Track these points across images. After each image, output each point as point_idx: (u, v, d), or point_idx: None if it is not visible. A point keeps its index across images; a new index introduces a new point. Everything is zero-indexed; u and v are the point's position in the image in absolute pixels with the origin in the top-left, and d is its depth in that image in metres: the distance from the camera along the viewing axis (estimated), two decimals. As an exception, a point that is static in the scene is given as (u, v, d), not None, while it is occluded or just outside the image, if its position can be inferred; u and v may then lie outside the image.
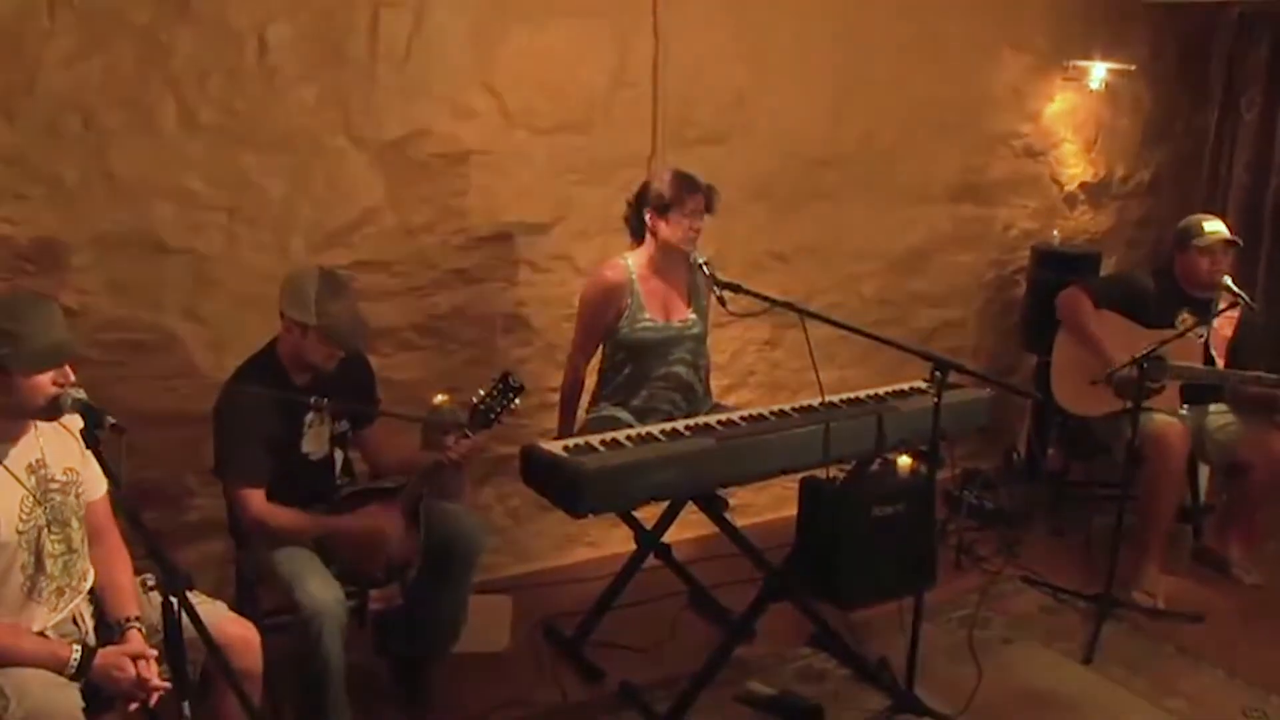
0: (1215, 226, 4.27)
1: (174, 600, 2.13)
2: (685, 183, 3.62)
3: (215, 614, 2.62)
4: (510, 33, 3.92)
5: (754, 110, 4.50)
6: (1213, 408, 4.41)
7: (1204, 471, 4.77)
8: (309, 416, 3.18)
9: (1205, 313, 4.28)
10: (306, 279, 3.07)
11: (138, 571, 2.74)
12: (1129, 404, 3.88)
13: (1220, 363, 4.32)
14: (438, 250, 3.98)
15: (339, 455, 3.30)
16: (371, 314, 3.79)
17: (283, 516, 3.08)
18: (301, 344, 3.07)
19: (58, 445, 2.54)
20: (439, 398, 3.34)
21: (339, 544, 3.14)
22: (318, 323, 3.02)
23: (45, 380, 2.40)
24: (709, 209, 3.66)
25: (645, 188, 3.69)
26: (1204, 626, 4.06)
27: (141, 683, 2.46)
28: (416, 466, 3.21)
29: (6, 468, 2.44)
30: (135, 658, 2.49)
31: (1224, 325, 4.34)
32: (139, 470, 3.43)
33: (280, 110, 3.60)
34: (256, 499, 3.05)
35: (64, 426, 2.52)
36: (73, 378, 2.45)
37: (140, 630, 2.58)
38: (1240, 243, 4.35)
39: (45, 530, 2.51)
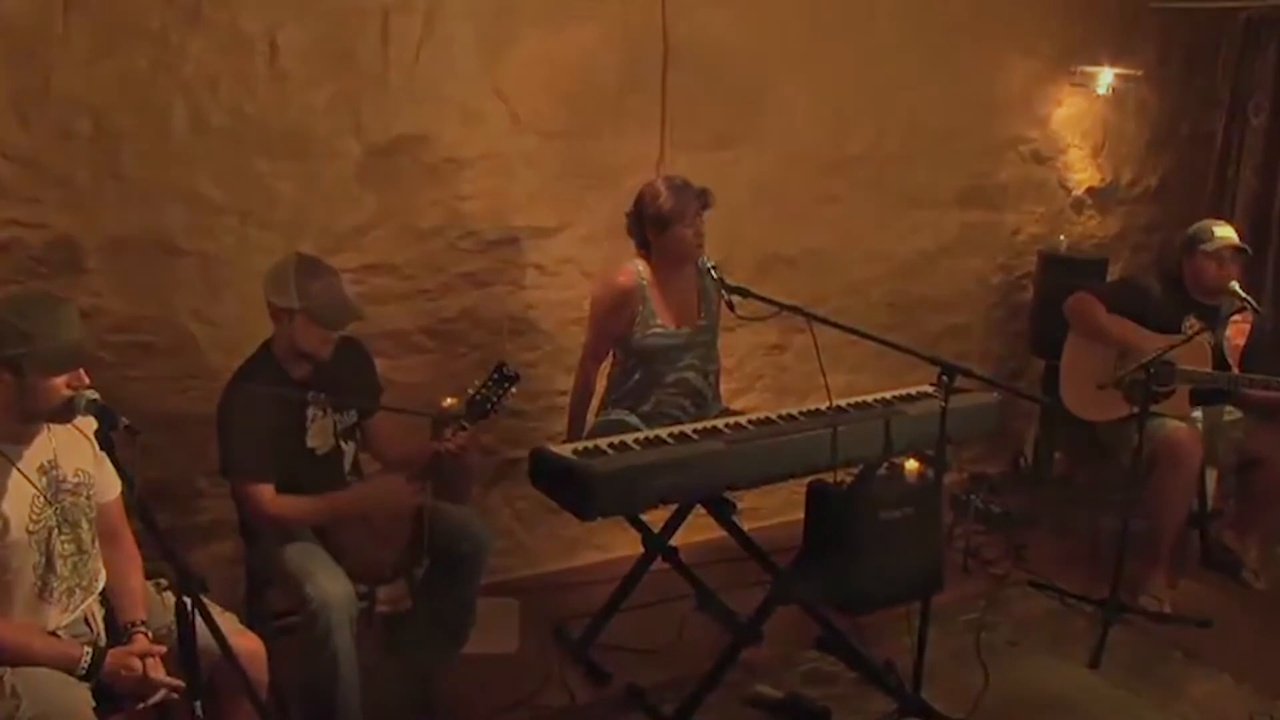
0: (1225, 232, 4.27)
1: (188, 601, 2.14)
2: (679, 193, 3.60)
3: (223, 626, 2.63)
4: (520, 37, 3.94)
5: (762, 115, 4.51)
6: (1227, 408, 4.42)
7: (1211, 475, 4.77)
8: (310, 411, 3.20)
9: (1212, 318, 4.28)
10: (285, 265, 3.12)
11: (150, 574, 2.76)
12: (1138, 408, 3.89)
13: (1235, 370, 4.32)
14: (446, 253, 3.99)
15: (348, 449, 3.31)
16: (380, 317, 3.82)
17: (293, 504, 3.10)
18: (293, 332, 3.10)
19: (70, 446, 2.56)
20: (448, 400, 3.36)
21: (350, 524, 3.16)
22: (300, 304, 3.05)
23: (59, 382, 2.42)
24: (707, 206, 3.65)
25: (641, 205, 3.67)
26: (1212, 631, 4.06)
27: (148, 681, 2.48)
28: (419, 460, 3.23)
29: (18, 469, 2.46)
30: (143, 657, 2.51)
31: (1237, 333, 4.34)
32: (149, 471, 3.45)
33: (291, 114, 3.62)
34: (266, 494, 3.07)
35: (77, 428, 2.53)
36: (87, 380, 2.46)
37: (146, 635, 2.60)
38: (1250, 250, 4.35)
39: (56, 531, 2.53)
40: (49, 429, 2.52)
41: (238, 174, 3.57)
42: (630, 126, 4.22)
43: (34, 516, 2.48)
